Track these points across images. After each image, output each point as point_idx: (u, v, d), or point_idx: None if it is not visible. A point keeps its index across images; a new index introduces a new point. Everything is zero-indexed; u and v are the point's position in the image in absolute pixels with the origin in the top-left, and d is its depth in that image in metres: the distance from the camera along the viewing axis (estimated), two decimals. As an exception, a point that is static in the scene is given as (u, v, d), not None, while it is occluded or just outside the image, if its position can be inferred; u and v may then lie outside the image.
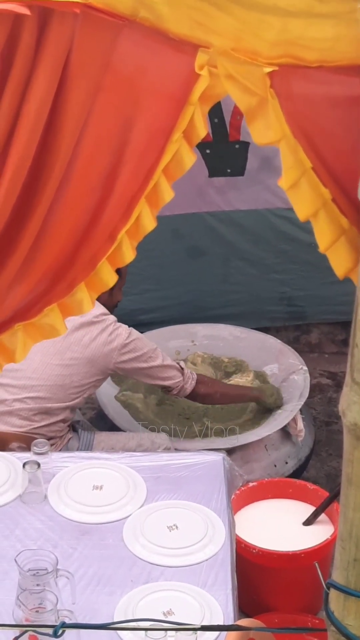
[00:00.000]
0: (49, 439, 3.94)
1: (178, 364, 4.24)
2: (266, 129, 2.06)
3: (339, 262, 2.19)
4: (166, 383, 4.19)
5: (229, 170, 5.09)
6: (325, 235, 2.17)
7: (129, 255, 2.33)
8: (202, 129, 2.15)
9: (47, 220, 2.24)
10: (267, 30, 1.94)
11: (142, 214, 2.27)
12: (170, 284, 5.37)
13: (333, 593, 1.95)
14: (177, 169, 2.22)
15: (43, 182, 2.17)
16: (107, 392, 4.61)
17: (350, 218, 2.15)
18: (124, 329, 4.06)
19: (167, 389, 4.25)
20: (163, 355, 4.18)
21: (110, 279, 2.37)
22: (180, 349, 5.04)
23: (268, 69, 1.98)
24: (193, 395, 4.30)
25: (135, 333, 4.09)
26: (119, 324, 4.07)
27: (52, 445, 3.96)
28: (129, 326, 4.00)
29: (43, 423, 4.00)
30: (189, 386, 4.23)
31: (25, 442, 3.91)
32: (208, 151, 4.94)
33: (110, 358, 4.02)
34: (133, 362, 4.07)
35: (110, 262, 2.34)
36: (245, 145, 4.94)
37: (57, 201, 2.21)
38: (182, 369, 4.23)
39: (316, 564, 2.16)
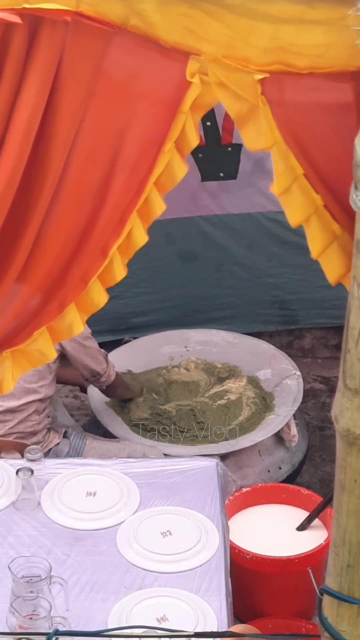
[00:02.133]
0: (32, 434, 3.93)
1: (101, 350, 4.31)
2: (257, 136, 2.06)
3: (331, 268, 2.19)
4: (98, 368, 4.23)
5: (221, 175, 5.08)
6: (318, 241, 2.17)
7: (119, 273, 2.31)
8: (194, 139, 2.15)
9: (39, 236, 2.20)
10: (258, 37, 1.94)
11: (134, 228, 2.25)
12: (163, 288, 5.37)
13: (326, 599, 1.95)
14: (168, 181, 2.21)
15: (35, 195, 2.15)
16: (100, 398, 4.60)
17: (342, 224, 2.15)
18: None
19: (97, 376, 4.28)
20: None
21: (100, 299, 2.34)
22: (174, 354, 5.03)
23: (259, 76, 1.98)
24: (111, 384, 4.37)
25: None
26: None
27: (39, 443, 3.96)
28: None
29: (16, 421, 3.98)
30: (113, 372, 4.31)
31: (12, 447, 3.90)
32: (200, 155, 4.93)
33: None
34: None
35: (101, 281, 2.32)
36: (238, 147, 4.93)
37: (49, 215, 2.19)
38: (106, 354, 4.31)
39: (309, 571, 2.15)
